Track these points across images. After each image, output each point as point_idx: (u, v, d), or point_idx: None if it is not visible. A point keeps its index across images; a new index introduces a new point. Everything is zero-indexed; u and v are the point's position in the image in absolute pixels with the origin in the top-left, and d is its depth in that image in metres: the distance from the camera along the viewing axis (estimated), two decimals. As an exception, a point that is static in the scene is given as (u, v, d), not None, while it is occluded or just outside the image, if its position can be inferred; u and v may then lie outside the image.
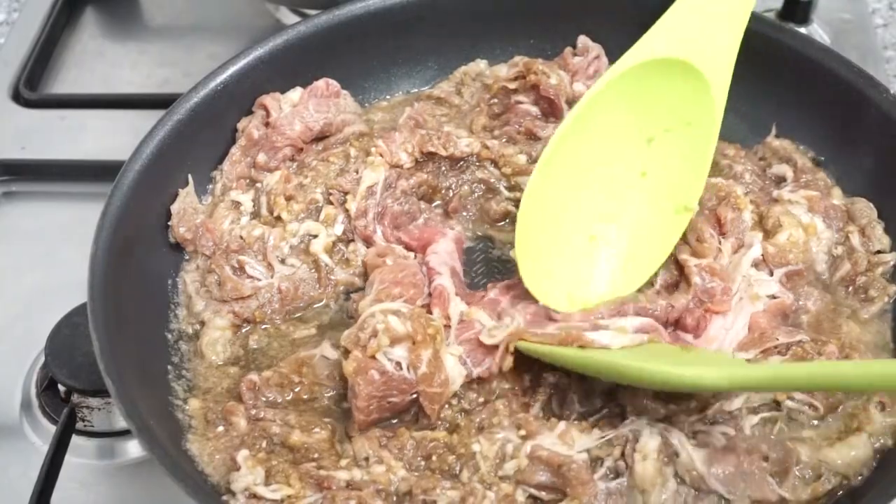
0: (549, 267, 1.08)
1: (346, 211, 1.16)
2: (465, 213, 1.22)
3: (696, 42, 1.07)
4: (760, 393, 0.98)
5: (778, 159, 1.22)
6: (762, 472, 0.93)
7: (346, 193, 1.16)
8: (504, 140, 1.24)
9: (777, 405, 0.99)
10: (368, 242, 1.15)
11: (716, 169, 1.19)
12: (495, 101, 1.29)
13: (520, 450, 0.96)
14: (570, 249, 1.10)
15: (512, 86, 1.28)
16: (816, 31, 1.57)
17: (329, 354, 1.06)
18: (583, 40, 1.30)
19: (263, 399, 1.03)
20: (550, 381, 1.02)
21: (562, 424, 0.98)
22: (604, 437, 0.96)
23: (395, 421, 1.02)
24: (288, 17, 1.64)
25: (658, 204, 1.10)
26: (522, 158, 1.21)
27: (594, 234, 1.11)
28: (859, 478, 0.96)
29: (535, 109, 1.27)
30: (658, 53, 1.06)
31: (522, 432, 0.98)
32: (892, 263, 1.12)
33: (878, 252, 1.13)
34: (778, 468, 0.94)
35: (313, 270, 1.14)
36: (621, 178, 1.10)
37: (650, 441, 0.94)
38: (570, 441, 0.96)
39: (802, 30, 1.54)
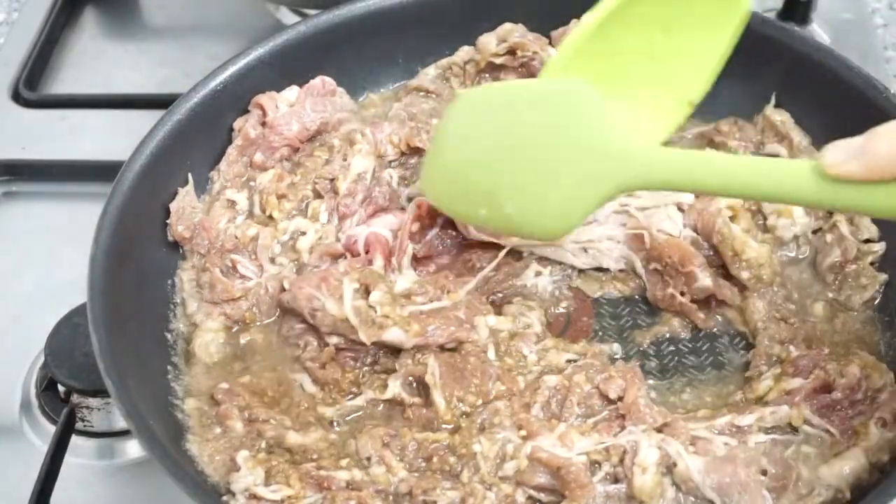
0: None
1: (335, 193, 1.15)
2: None
3: None
4: (775, 415, 0.97)
5: (774, 135, 1.21)
6: (758, 484, 0.92)
7: (332, 180, 1.16)
8: None
9: (794, 430, 0.97)
10: (342, 220, 1.15)
11: (711, 147, 1.21)
12: (485, 76, 1.29)
13: (520, 450, 0.96)
14: None
15: (498, 61, 1.27)
16: (816, 31, 1.57)
17: (308, 388, 1.05)
18: None
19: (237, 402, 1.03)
20: (551, 385, 1.02)
21: (561, 426, 0.97)
22: (602, 444, 0.96)
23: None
24: (288, 17, 1.64)
25: (661, 90, 1.06)
26: None
27: None
28: (851, 493, 0.94)
29: None
30: None
31: (523, 432, 0.97)
32: (880, 253, 1.13)
33: (867, 241, 1.13)
34: (776, 483, 0.93)
35: (299, 270, 1.14)
36: (629, 58, 1.04)
37: (649, 454, 0.94)
38: (570, 443, 0.95)
39: (802, 30, 1.54)
